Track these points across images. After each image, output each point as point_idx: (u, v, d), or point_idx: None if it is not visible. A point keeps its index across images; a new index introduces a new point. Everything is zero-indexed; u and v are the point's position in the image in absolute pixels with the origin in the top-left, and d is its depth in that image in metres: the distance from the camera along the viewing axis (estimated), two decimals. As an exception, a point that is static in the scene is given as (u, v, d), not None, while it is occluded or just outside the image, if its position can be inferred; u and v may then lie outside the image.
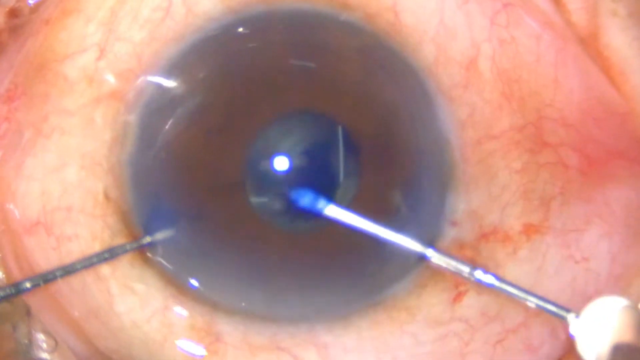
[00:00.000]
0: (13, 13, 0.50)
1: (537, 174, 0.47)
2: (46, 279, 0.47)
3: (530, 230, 0.47)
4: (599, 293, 0.48)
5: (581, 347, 0.44)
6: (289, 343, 0.47)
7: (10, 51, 0.50)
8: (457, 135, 0.46)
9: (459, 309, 0.47)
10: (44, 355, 0.49)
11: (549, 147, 0.47)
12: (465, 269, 0.46)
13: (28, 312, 0.50)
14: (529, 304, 0.45)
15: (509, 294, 0.46)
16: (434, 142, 0.46)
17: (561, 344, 0.48)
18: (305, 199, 0.46)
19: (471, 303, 0.47)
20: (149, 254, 0.48)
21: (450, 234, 0.47)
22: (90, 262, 0.47)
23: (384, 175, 0.47)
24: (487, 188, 0.46)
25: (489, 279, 0.46)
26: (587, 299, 0.48)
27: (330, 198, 0.46)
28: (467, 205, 0.46)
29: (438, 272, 0.46)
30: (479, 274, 0.46)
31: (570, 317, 0.44)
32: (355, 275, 0.47)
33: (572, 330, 0.44)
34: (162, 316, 0.47)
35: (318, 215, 0.47)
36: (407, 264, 0.47)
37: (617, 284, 0.49)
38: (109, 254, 0.47)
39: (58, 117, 0.48)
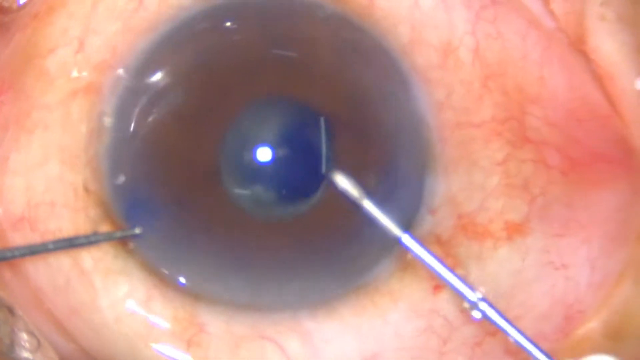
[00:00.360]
0: (2, 10, 0.50)
1: (518, 170, 0.47)
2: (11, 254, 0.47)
3: (511, 229, 0.47)
4: (579, 302, 0.48)
5: None
6: (272, 331, 0.47)
7: (-2, 46, 0.50)
8: (434, 116, 0.46)
9: (438, 301, 0.47)
10: (26, 354, 0.49)
11: (532, 144, 0.47)
12: (472, 296, 0.45)
13: (11, 312, 0.49)
14: (522, 348, 0.45)
15: (505, 332, 0.45)
16: (410, 123, 0.46)
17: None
18: (282, 184, 0.46)
19: (450, 297, 0.47)
20: (131, 245, 0.48)
21: (428, 221, 0.46)
22: (59, 246, 0.47)
23: (362, 157, 0.47)
24: (467, 174, 0.46)
25: (492, 313, 0.45)
26: (567, 307, 0.48)
27: (307, 183, 0.46)
28: (446, 188, 0.46)
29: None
30: (482, 305, 0.45)
31: None
32: (336, 259, 0.47)
33: None
34: (146, 308, 0.47)
35: (296, 201, 0.47)
36: (386, 246, 0.47)
37: (598, 293, 0.49)
38: (68, 243, 0.47)
39: (40, 112, 0.48)
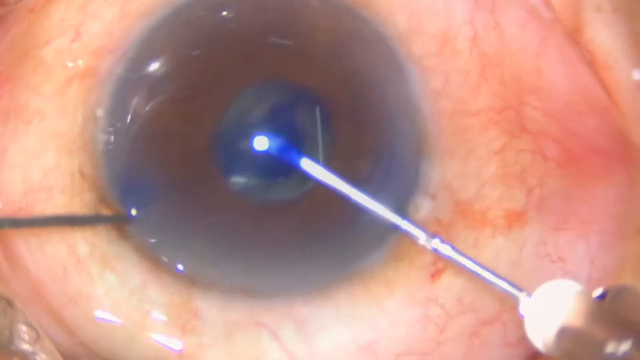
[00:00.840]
0: (-1, 3, 0.50)
1: (515, 160, 0.47)
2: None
3: (510, 218, 0.46)
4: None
5: (529, 328, 0.43)
6: (267, 318, 0.47)
7: (-6, 40, 0.50)
8: (430, 104, 0.46)
9: (435, 289, 0.47)
10: (26, 346, 0.49)
11: (529, 134, 0.47)
12: (422, 236, 0.45)
13: (10, 304, 0.49)
14: (483, 279, 0.45)
15: (464, 267, 0.45)
16: (406, 110, 0.47)
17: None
18: (277, 167, 0.46)
19: (448, 284, 0.47)
20: (127, 231, 0.48)
21: (425, 206, 0.47)
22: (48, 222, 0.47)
23: (357, 143, 0.47)
24: (464, 162, 0.46)
25: (445, 249, 0.45)
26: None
27: (302, 167, 0.46)
28: (441, 175, 0.46)
29: (415, 245, 0.46)
30: (435, 243, 0.45)
31: (522, 297, 0.44)
32: (331, 245, 0.47)
33: (522, 310, 0.44)
34: (141, 293, 0.47)
35: (290, 185, 0.47)
36: (381, 233, 0.47)
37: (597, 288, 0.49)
38: (59, 221, 0.47)
39: (37, 102, 0.48)
